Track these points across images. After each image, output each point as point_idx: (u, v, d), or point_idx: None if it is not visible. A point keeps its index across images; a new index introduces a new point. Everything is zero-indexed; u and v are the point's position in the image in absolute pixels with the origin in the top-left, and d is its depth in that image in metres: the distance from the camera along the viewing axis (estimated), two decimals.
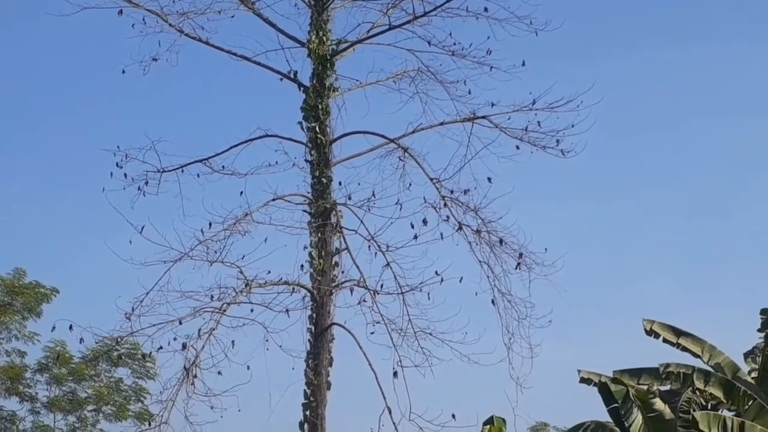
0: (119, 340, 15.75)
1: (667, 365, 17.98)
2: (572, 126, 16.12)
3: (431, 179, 16.27)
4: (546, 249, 15.85)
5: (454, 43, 16.83)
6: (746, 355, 20.21)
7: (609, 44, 47.24)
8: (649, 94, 48.17)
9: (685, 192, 46.99)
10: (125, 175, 16.33)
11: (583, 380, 18.22)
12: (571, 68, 38.23)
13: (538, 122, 16.27)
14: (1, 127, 50.18)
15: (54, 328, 15.30)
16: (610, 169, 44.07)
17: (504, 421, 16.77)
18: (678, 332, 18.77)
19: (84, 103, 48.75)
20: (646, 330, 18.87)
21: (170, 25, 16.53)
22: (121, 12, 16.32)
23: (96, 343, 17.54)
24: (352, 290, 15.60)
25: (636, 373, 18.44)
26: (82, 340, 15.15)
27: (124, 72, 16.57)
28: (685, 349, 18.67)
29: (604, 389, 16.92)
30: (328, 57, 16.50)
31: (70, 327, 14.87)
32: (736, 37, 48.56)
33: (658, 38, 49.50)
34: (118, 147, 16.32)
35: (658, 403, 16.74)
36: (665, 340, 18.80)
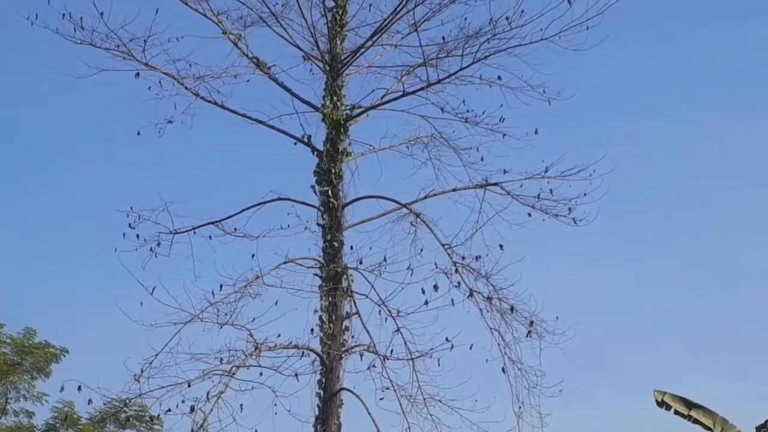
0: (127, 401, 15.67)
1: None
2: (584, 194, 16.16)
3: (443, 245, 16.28)
4: (557, 317, 15.79)
5: (468, 111, 16.97)
6: (758, 429, 19.99)
7: (622, 107, 47.38)
8: (660, 157, 48.21)
9: (698, 258, 46.75)
10: (137, 236, 16.40)
11: None
12: (583, 131, 38.28)
13: (551, 190, 16.33)
14: (13, 185, 50.41)
15: (63, 388, 15.18)
16: (620, 235, 43.91)
17: None
18: (689, 404, 18.61)
19: (98, 163, 49.05)
20: (657, 401, 18.72)
21: (186, 88, 16.72)
22: (137, 75, 16.52)
23: (104, 404, 17.48)
24: (361, 355, 15.53)
25: None
26: (90, 401, 15.05)
27: (139, 134, 16.76)
28: (696, 421, 18.50)
29: None
30: (342, 122, 16.63)
31: (79, 388, 14.80)
32: (744, 102, 48.61)
33: (668, 101, 49.61)
34: (131, 208, 16.43)
35: None
36: (677, 412, 18.64)
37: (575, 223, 16.36)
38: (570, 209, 16.28)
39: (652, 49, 47.28)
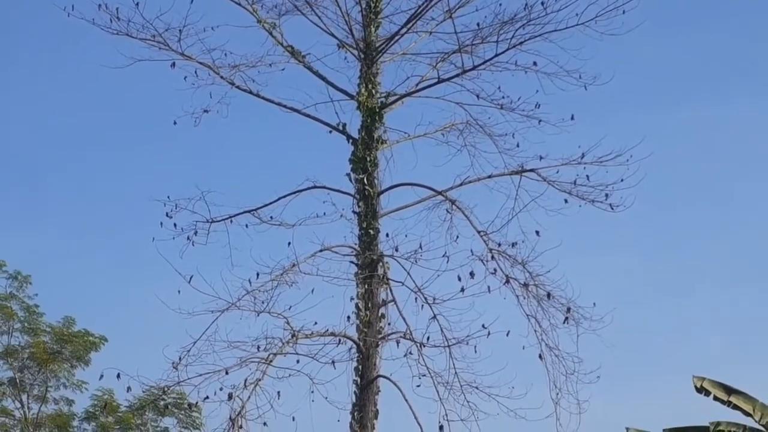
0: (166, 389, 15.76)
1: (718, 423, 17.68)
2: (621, 180, 16.03)
3: (479, 232, 16.24)
4: (594, 304, 15.72)
5: (503, 97, 16.86)
6: None
7: (659, 97, 47.09)
8: (700, 149, 47.89)
9: (737, 248, 46.47)
10: (175, 225, 16.50)
11: None
12: (621, 120, 38.09)
13: (587, 176, 16.20)
14: (54, 175, 50.95)
15: (102, 376, 15.35)
16: (660, 224, 43.72)
17: None
18: (729, 390, 18.43)
19: (135, 153, 49.47)
20: (696, 387, 18.56)
21: (222, 77, 16.74)
22: (173, 65, 16.58)
23: (143, 392, 17.55)
24: (398, 342, 15.55)
25: (685, 431, 18.14)
26: (129, 388, 15.18)
27: (175, 123, 16.83)
28: (736, 407, 18.33)
29: None
30: (377, 109, 16.60)
31: (118, 375, 14.93)
32: None
33: (710, 93, 49.25)
34: (168, 197, 16.52)
35: None
36: (716, 398, 18.48)
37: (612, 209, 16.25)
38: (607, 195, 16.16)
39: (694, 39, 46.93)
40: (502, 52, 16.24)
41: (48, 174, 51.19)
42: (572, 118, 16.55)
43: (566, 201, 16.28)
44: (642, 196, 16.16)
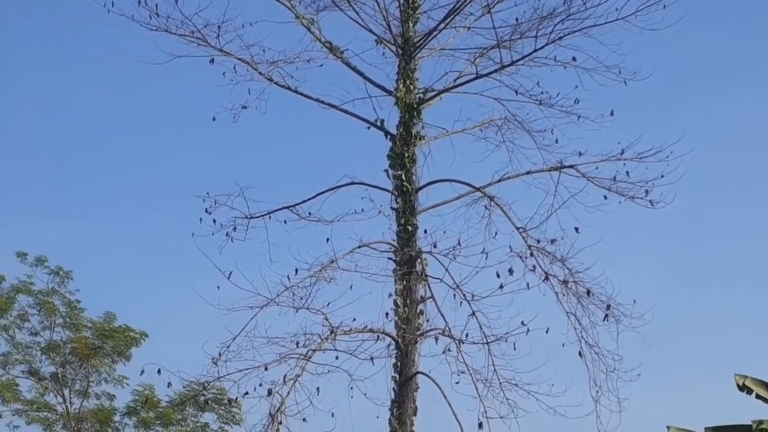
0: (206, 385, 15.85)
1: (761, 422, 17.48)
2: (662, 176, 15.93)
3: (517, 228, 16.18)
4: (635, 301, 15.63)
5: (542, 92, 16.81)
6: None
7: (700, 92, 46.62)
8: (738, 143, 47.36)
9: None
10: (214, 220, 16.57)
11: None
12: (661, 112, 37.74)
13: (627, 172, 16.10)
14: (92, 170, 51.24)
15: (143, 371, 15.45)
16: (700, 219, 43.30)
17: None
18: None
19: (174, 149, 49.67)
20: (738, 385, 18.36)
21: (260, 73, 16.79)
22: (212, 61, 16.66)
23: (183, 387, 17.66)
24: (437, 339, 15.52)
25: (728, 430, 17.96)
26: (169, 384, 15.26)
27: (214, 119, 16.91)
28: None
29: None
30: (415, 105, 16.58)
31: (159, 371, 15.02)
32: None
33: (750, 88, 48.69)
34: (207, 193, 16.59)
35: None
36: (758, 396, 18.29)
37: (652, 205, 16.14)
38: (647, 191, 16.05)
39: (734, 32, 46.38)
40: (541, 48, 16.19)
41: (86, 170, 51.53)
42: (612, 113, 16.47)
43: (606, 197, 16.19)
44: (681, 192, 16.04)
